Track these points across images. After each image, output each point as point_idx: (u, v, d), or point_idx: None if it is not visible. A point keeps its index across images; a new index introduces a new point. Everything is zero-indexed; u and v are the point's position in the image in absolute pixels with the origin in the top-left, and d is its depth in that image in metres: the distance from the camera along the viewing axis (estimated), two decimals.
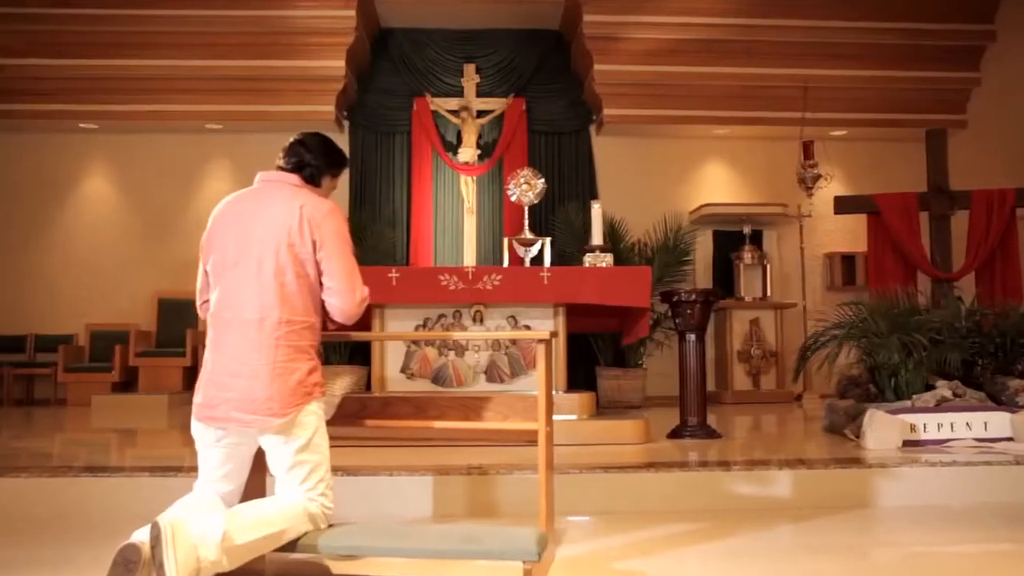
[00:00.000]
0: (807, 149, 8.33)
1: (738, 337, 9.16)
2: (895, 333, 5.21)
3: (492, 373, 5.25)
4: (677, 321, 5.33)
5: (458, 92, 9.67)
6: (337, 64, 8.98)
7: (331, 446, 2.78)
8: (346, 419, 2.83)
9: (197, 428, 2.54)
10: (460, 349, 5.28)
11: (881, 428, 4.56)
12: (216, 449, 2.53)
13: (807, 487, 3.85)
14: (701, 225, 9.57)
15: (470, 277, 5.01)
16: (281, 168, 2.67)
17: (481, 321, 5.20)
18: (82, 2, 8.67)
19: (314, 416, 2.52)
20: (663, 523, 3.53)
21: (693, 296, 5.21)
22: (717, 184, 9.93)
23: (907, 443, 4.60)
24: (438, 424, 2.75)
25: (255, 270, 2.50)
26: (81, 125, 9.29)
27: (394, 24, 9.77)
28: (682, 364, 5.33)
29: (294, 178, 2.65)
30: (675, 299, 5.26)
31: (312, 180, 2.69)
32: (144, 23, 8.74)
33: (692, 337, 5.29)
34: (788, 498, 3.85)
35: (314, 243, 2.52)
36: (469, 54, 9.76)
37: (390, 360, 5.25)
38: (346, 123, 9.72)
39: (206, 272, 2.62)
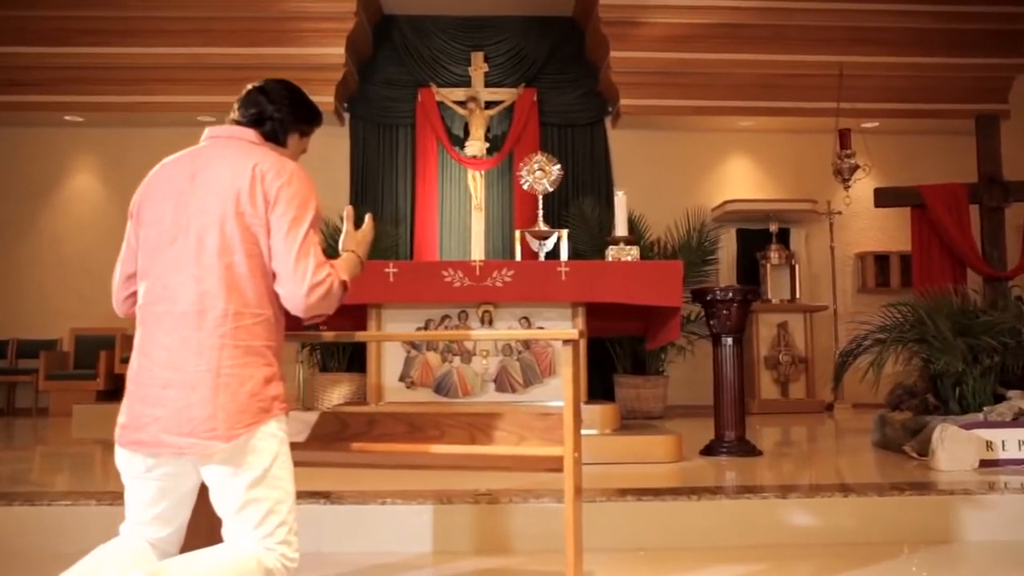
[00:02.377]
0: (843, 138, 7.71)
1: (765, 342, 8.55)
2: (960, 337, 4.58)
3: (503, 382, 4.66)
4: (712, 323, 4.73)
5: (465, 82, 9.10)
6: (336, 52, 8.42)
7: (305, 467, 2.21)
8: (321, 442, 2.24)
9: (121, 456, 1.95)
10: (466, 355, 4.69)
11: (955, 446, 3.94)
12: (145, 482, 1.95)
13: (876, 517, 3.23)
14: (724, 223, 8.98)
15: (477, 273, 4.42)
16: (236, 122, 2.10)
17: (490, 323, 4.60)
18: None
19: (272, 439, 1.93)
20: (708, 562, 2.94)
21: (730, 294, 4.62)
22: (741, 179, 9.33)
23: (984, 463, 3.98)
24: (437, 449, 2.16)
25: (194, 249, 1.92)
26: (66, 118, 8.75)
27: (397, 11, 9.22)
28: (717, 371, 4.72)
29: (251, 133, 2.07)
30: (709, 298, 4.66)
31: (275, 136, 2.11)
32: (132, 8, 8.21)
33: (728, 341, 4.69)
34: (855, 530, 3.23)
35: (266, 211, 1.93)
36: (477, 42, 9.20)
37: (388, 367, 4.66)
38: (346, 115, 9.17)
39: (133, 252, 2.04)
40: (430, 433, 2.25)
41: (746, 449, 4.65)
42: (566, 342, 2.13)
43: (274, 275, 1.97)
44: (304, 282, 1.92)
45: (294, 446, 2.23)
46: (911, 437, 4.52)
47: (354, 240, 2.26)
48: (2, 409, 8.76)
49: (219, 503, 1.92)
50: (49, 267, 8.97)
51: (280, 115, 2.11)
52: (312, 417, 2.31)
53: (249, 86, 2.15)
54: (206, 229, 1.92)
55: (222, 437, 1.85)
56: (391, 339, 4.55)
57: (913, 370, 5.40)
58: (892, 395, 5.19)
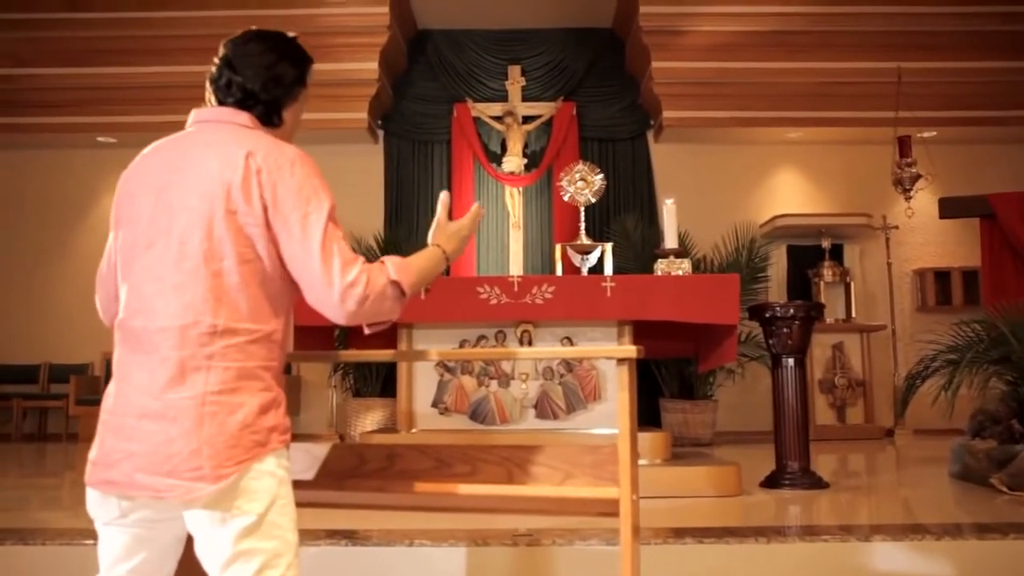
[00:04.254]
0: (903, 146, 7.26)
1: (819, 364, 8.08)
2: None
3: (543, 407, 4.30)
4: (771, 342, 4.33)
5: (502, 96, 8.82)
6: (370, 67, 8.20)
7: (314, 508, 1.89)
8: (333, 480, 1.91)
9: (91, 498, 1.64)
10: (504, 379, 4.35)
11: None
12: (119, 530, 1.62)
13: (983, 564, 2.81)
14: (774, 239, 8.55)
15: (516, 289, 4.08)
16: (222, 103, 1.77)
17: (529, 343, 4.26)
18: (95, 6, 8.06)
19: (269, 479, 1.59)
20: None
21: (791, 311, 4.22)
22: (791, 193, 8.89)
23: None
24: (467, 489, 1.82)
25: (176, 254, 1.60)
26: (98, 139, 8.63)
27: (431, 25, 9.00)
28: (777, 395, 4.32)
29: (243, 116, 1.73)
30: (768, 315, 4.27)
31: (268, 118, 1.77)
32: (162, 27, 8.08)
33: (789, 362, 4.29)
34: None
35: (265, 208, 1.60)
36: (514, 55, 8.92)
37: (419, 391, 4.33)
38: (380, 132, 8.93)
39: (114, 263, 1.75)
40: (460, 469, 1.91)
41: (811, 481, 4.24)
42: (620, 361, 1.79)
43: (293, 284, 1.64)
44: (334, 287, 1.57)
45: (301, 485, 1.91)
46: (998, 468, 4.07)
47: (444, 233, 1.87)
48: (33, 434, 8.60)
49: (205, 556, 1.58)
50: (81, 290, 8.78)
51: (268, 94, 1.75)
52: (322, 450, 1.98)
53: (216, 58, 1.78)
54: (190, 230, 1.60)
55: (208, 477, 1.52)
56: (423, 359, 4.22)
57: (989, 393, 4.96)
58: (973, 421, 4.73)
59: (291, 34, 1.83)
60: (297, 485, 1.86)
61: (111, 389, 1.65)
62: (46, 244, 8.85)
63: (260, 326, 1.62)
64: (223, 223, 1.59)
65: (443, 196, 1.95)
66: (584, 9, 8.66)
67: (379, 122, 8.88)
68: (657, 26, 8.15)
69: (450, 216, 1.93)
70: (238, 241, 1.59)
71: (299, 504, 1.69)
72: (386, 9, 8.04)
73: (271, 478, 1.60)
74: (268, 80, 1.74)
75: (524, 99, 8.81)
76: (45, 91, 8.27)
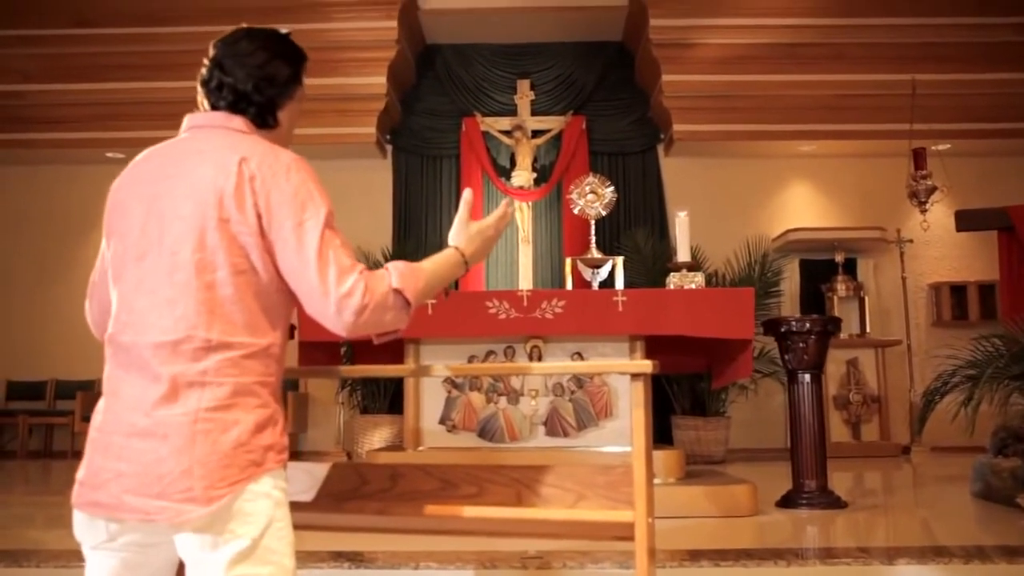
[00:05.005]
0: (918, 158, 7.16)
1: (834, 380, 7.95)
2: None
3: (553, 425, 4.20)
4: (786, 357, 4.23)
5: (511, 111, 8.77)
6: (378, 81, 8.16)
7: (313, 531, 1.81)
8: (333, 501, 1.83)
9: (78, 520, 1.55)
10: (513, 395, 4.26)
11: None
12: (107, 554, 1.54)
13: None
14: (786, 253, 8.44)
15: (525, 303, 3.99)
16: (215, 107, 1.67)
17: (539, 358, 4.17)
18: (103, 22, 8.06)
19: (265, 501, 1.51)
20: None
21: (807, 325, 4.12)
22: (803, 207, 8.79)
23: None
24: (473, 512, 1.73)
25: (168, 265, 1.52)
26: (107, 154, 8.60)
27: (440, 40, 8.96)
28: (794, 412, 4.21)
29: (238, 121, 1.65)
30: (784, 329, 4.17)
31: (262, 120, 1.68)
32: (170, 42, 8.06)
33: (806, 378, 4.19)
34: None
35: (259, 216, 1.52)
36: (523, 69, 8.88)
37: (427, 408, 4.24)
38: (389, 147, 8.89)
39: (105, 267, 1.67)
40: (466, 491, 1.82)
41: (829, 500, 4.12)
42: (635, 376, 1.70)
43: (291, 296, 1.56)
44: (330, 297, 1.48)
45: (301, 507, 1.83)
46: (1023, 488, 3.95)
47: (465, 233, 1.76)
48: (39, 451, 8.54)
49: None
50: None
51: (262, 95, 1.66)
52: (322, 470, 1.89)
53: (205, 59, 1.70)
54: (182, 240, 1.52)
55: (199, 499, 1.43)
56: (430, 375, 4.14)
57: (1010, 410, 4.84)
58: (995, 439, 4.61)
59: (284, 30, 1.76)
60: (296, 507, 1.78)
61: (100, 406, 1.57)
62: (53, 260, 8.82)
63: (256, 340, 1.54)
64: (216, 232, 1.51)
65: (466, 194, 1.82)
66: (593, 23, 8.62)
67: (387, 137, 8.84)
68: (667, 39, 8.09)
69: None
70: (232, 251, 1.51)
71: (297, 527, 1.61)
72: (394, 24, 8.01)
73: (267, 500, 1.51)
74: (261, 80, 1.66)
75: (533, 113, 8.77)
76: (53, 107, 8.27)
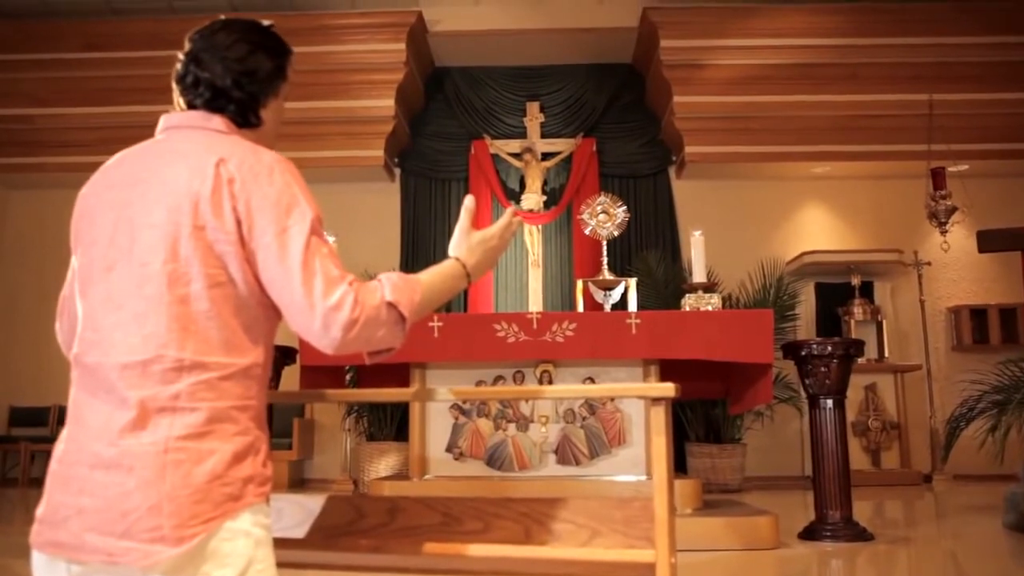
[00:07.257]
0: (937, 178, 7.00)
1: (852, 406, 7.71)
2: None
3: (564, 453, 4.04)
4: (807, 382, 4.06)
5: (520, 133, 8.68)
6: (386, 104, 8.09)
7: (303, 570, 1.65)
8: (322, 539, 1.67)
9: (38, 562, 1.41)
10: (523, 422, 4.10)
11: None
12: None
13: None
14: (802, 276, 8.28)
15: (535, 326, 3.84)
16: (192, 106, 1.53)
17: (550, 383, 4.01)
18: (112, 46, 8.05)
19: (244, 540, 1.35)
20: None
21: (829, 348, 3.95)
22: (818, 229, 8.63)
23: None
24: (478, 550, 1.58)
25: (137, 277, 1.38)
26: None
27: (449, 63, 8.90)
28: (816, 439, 4.04)
29: (217, 120, 1.51)
30: (804, 353, 4.00)
31: (243, 118, 1.54)
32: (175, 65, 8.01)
33: (828, 403, 4.01)
34: None
35: (238, 223, 1.38)
36: (532, 91, 8.80)
37: (433, 435, 4.09)
38: (397, 170, 8.80)
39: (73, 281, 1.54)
40: (471, 526, 1.67)
41: (855, 532, 3.93)
42: (656, 401, 1.54)
43: (274, 310, 1.42)
44: (315, 311, 1.33)
45: (290, 544, 1.67)
46: None
47: (467, 243, 1.62)
48: (42, 479, 8.33)
49: None
50: None
51: (242, 91, 1.52)
52: (316, 503, 1.74)
53: (181, 54, 1.56)
54: (152, 250, 1.37)
55: (168, 539, 1.28)
56: (435, 399, 3.99)
57: None
58: None
59: (266, 22, 1.62)
60: (285, 543, 1.63)
61: (63, 434, 1.42)
62: (59, 285, 8.69)
63: (234, 359, 1.39)
64: (190, 241, 1.37)
65: (468, 200, 1.66)
66: (603, 45, 8.55)
67: (396, 160, 8.76)
68: (678, 60, 8.00)
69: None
70: (207, 261, 1.37)
71: (285, 565, 1.46)
72: (403, 46, 7.96)
73: (246, 539, 1.35)
74: (241, 75, 1.53)
75: (543, 135, 8.68)
76: (64, 131, 8.23)
